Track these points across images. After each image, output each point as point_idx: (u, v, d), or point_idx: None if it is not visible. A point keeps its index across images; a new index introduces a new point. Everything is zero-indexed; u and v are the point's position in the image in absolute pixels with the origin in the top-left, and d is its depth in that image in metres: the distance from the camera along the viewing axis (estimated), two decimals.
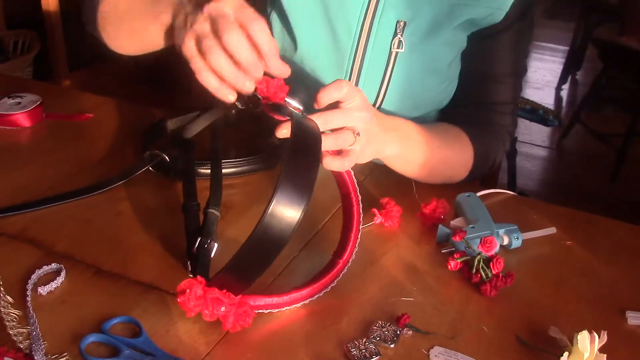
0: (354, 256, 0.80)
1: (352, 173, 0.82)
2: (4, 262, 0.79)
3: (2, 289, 0.74)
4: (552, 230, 0.93)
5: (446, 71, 1.05)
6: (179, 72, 1.05)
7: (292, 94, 0.78)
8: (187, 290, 0.68)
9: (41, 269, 0.77)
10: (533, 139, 3.45)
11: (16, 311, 0.71)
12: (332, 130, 0.81)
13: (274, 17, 1.04)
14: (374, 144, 0.86)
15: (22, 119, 1.14)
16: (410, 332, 0.72)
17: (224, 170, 0.97)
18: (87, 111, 1.21)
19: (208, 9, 0.74)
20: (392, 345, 0.70)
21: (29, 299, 0.73)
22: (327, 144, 0.79)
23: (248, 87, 0.74)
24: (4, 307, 0.71)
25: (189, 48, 0.75)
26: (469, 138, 1.05)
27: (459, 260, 0.82)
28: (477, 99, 1.08)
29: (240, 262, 0.67)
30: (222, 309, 0.68)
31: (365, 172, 1.06)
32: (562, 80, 4.26)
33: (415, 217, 0.94)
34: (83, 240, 0.85)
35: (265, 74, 0.76)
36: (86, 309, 0.73)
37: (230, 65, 0.73)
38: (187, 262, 0.78)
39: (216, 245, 0.79)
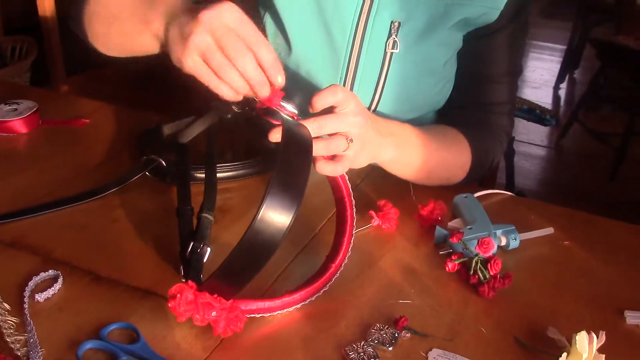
0: (346, 260, 0.80)
1: (347, 177, 0.82)
2: (0, 269, 0.79)
3: None
4: (549, 230, 0.93)
5: (442, 71, 1.05)
6: (175, 77, 1.06)
7: (287, 97, 0.78)
8: (178, 295, 0.68)
9: (38, 276, 0.77)
10: (531, 138, 3.45)
11: (13, 318, 0.71)
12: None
13: (268, 18, 1.04)
14: (369, 148, 0.86)
15: (19, 126, 1.14)
16: (408, 335, 0.72)
17: (220, 174, 0.97)
18: (83, 117, 1.21)
19: (206, 19, 0.73)
20: (390, 348, 0.70)
21: (26, 306, 0.73)
22: (319, 149, 0.80)
23: (264, 94, 0.76)
24: (1, 314, 0.71)
25: (195, 63, 0.75)
26: (467, 139, 1.05)
27: (456, 262, 0.82)
28: (473, 100, 1.08)
29: (231, 267, 0.67)
30: (213, 313, 0.68)
31: (362, 175, 1.06)
32: (559, 79, 4.26)
33: (412, 219, 0.93)
34: (80, 246, 0.85)
35: None
36: (84, 316, 0.73)
37: (243, 81, 0.75)
38: (180, 267, 0.78)
39: (209, 249, 0.79)
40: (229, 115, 1.08)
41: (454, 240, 0.84)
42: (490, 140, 1.09)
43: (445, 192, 0.99)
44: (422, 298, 0.79)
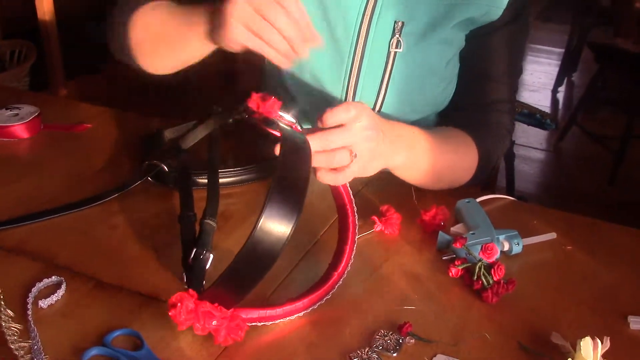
0: (349, 268, 0.80)
1: (348, 185, 0.82)
2: (3, 276, 0.79)
3: (2, 302, 0.74)
4: (552, 235, 0.93)
5: (444, 71, 1.05)
6: (174, 81, 1.06)
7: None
8: (179, 304, 0.68)
9: (41, 282, 0.77)
10: (530, 141, 3.46)
11: (17, 325, 0.71)
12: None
13: None
14: (379, 160, 0.86)
15: (20, 131, 1.14)
16: (412, 341, 0.72)
17: (222, 180, 0.97)
18: (85, 121, 1.21)
19: None
20: (394, 354, 0.70)
21: (29, 312, 0.73)
22: (321, 161, 0.80)
23: (304, 53, 0.82)
24: (4, 321, 0.71)
25: (240, 32, 0.81)
26: (473, 140, 1.04)
27: (460, 267, 0.82)
28: (474, 100, 1.08)
29: (231, 277, 0.68)
30: (214, 322, 0.68)
31: (365, 180, 1.06)
32: (558, 82, 4.26)
33: (415, 224, 0.93)
34: (83, 252, 0.85)
35: (257, 92, 0.77)
36: (87, 322, 0.73)
37: (283, 41, 0.81)
38: (183, 274, 0.78)
39: (212, 256, 0.78)
40: (230, 120, 1.08)
41: (457, 245, 0.84)
42: (493, 140, 1.08)
43: (447, 197, 0.99)
44: (426, 304, 0.79)
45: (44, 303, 0.74)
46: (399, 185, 1.00)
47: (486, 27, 1.02)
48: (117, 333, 0.71)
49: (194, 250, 0.78)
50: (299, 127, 0.78)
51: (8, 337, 0.69)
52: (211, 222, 0.83)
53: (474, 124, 1.07)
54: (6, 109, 1.17)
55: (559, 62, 4.38)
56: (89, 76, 3.37)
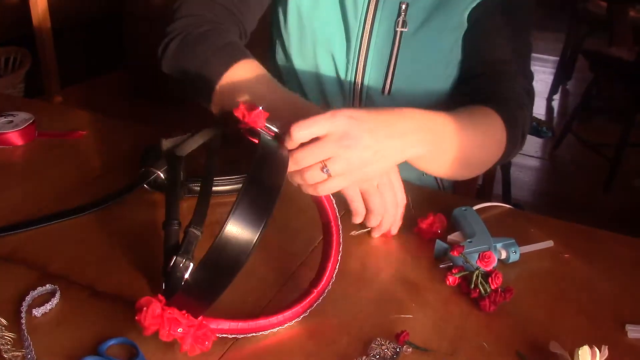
0: (329, 287, 0.79)
1: (334, 202, 0.82)
2: None
3: None
4: (549, 243, 0.92)
5: (449, 54, 1.08)
6: (168, 88, 1.05)
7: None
8: (144, 308, 0.67)
9: (35, 290, 0.76)
10: (526, 149, 3.46)
11: (10, 334, 0.70)
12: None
13: (291, 4, 1.09)
14: (376, 164, 0.81)
15: (15, 138, 1.13)
16: (410, 350, 0.72)
17: (219, 188, 0.97)
18: (80, 129, 1.20)
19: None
20: None
21: (23, 321, 0.72)
22: (297, 180, 0.80)
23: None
24: None
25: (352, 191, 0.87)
26: (494, 110, 0.98)
27: (457, 276, 0.82)
28: (483, 71, 1.06)
29: (196, 283, 0.67)
30: (179, 330, 0.67)
31: None
32: (553, 90, 4.28)
33: (412, 232, 0.93)
34: (78, 260, 0.84)
35: (243, 104, 0.77)
36: (82, 331, 0.72)
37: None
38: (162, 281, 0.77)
39: (192, 264, 0.77)
40: (226, 130, 1.08)
41: (455, 253, 0.84)
42: (514, 106, 1.02)
43: (444, 205, 0.98)
44: (423, 312, 0.78)
45: (37, 312, 0.74)
46: None
47: (487, 5, 1.04)
48: (111, 342, 0.70)
49: (174, 258, 0.77)
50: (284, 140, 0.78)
51: (1, 347, 0.68)
52: (195, 231, 0.80)
53: (488, 96, 1.01)
54: (0, 116, 1.16)
55: (554, 71, 4.40)
56: (83, 83, 3.36)
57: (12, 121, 1.15)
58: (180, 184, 0.96)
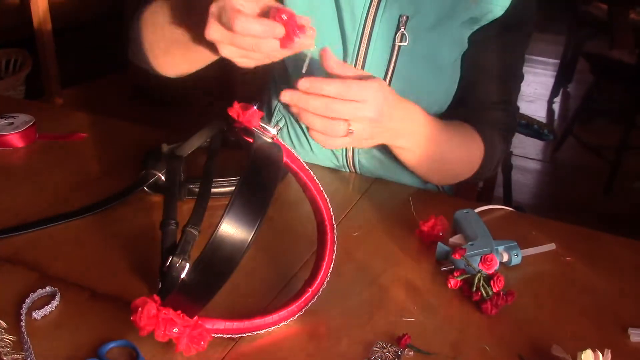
0: (324, 286, 0.79)
1: (328, 201, 0.82)
2: None
3: None
4: (551, 246, 0.92)
5: (449, 70, 1.07)
6: (168, 90, 1.05)
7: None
8: (139, 308, 0.67)
9: (35, 293, 0.76)
10: (526, 152, 3.46)
11: (10, 337, 0.70)
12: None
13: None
14: (376, 139, 0.88)
15: (15, 140, 1.13)
16: (411, 353, 0.71)
17: (218, 190, 0.96)
18: (80, 131, 1.20)
19: (210, 10, 0.78)
20: None
21: (23, 323, 0.72)
22: (317, 124, 0.82)
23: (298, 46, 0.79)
24: None
25: (231, 52, 0.81)
26: (479, 135, 1.06)
27: (459, 278, 0.82)
28: (475, 100, 1.09)
29: (190, 283, 0.67)
30: (175, 330, 0.67)
31: (362, 190, 1.05)
32: (553, 93, 4.28)
33: (414, 235, 0.93)
34: (78, 262, 0.84)
35: (238, 102, 0.76)
36: (82, 334, 0.72)
37: (267, 41, 0.77)
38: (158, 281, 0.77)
39: (188, 265, 0.76)
40: (225, 129, 1.07)
41: (456, 256, 0.83)
42: (497, 138, 1.10)
43: (445, 207, 0.98)
44: (425, 315, 0.78)
45: (37, 314, 0.73)
46: (396, 196, 1.00)
47: (489, 29, 1.03)
48: (111, 345, 0.70)
49: (171, 258, 0.76)
50: (280, 140, 0.78)
51: (1, 349, 0.68)
52: (193, 231, 0.80)
53: (477, 121, 1.08)
54: (1, 117, 1.16)
55: (555, 73, 4.40)
56: (84, 85, 3.36)
57: (12, 123, 1.15)
58: (180, 185, 0.96)
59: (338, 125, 0.82)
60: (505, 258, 0.88)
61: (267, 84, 1.21)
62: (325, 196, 0.81)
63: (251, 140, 0.76)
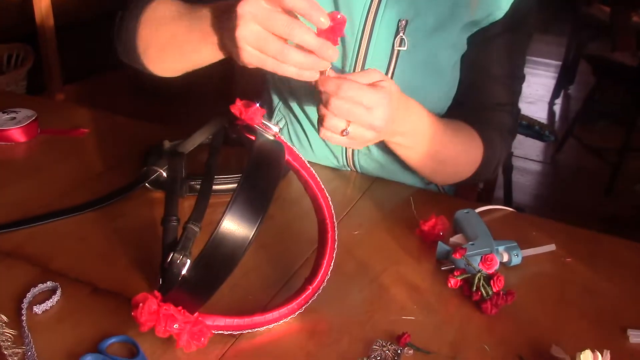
0: (325, 284, 0.79)
1: (329, 199, 0.82)
2: None
3: None
4: (551, 247, 0.92)
5: (448, 73, 1.06)
6: (169, 85, 1.05)
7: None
8: (140, 304, 0.67)
9: (36, 287, 0.76)
10: (527, 153, 3.46)
11: (11, 331, 0.70)
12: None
13: None
14: (373, 140, 0.87)
15: (17, 135, 1.13)
16: (411, 352, 0.72)
17: (220, 187, 0.96)
18: (82, 126, 1.20)
19: (245, 10, 0.74)
20: None
21: (24, 318, 0.72)
22: (320, 112, 0.82)
23: (332, 57, 0.77)
24: None
25: (252, 56, 0.77)
26: (479, 136, 1.05)
27: (459, 278, 0.82)
28: (476, 102, 1.09)
29: (192, 279, 0.67)
30: (175, 326, 0.67)
31: (363, 189, 1.05)
32: (555, 95, 4.28)
33: (414, 234, 0.93)
34: (79, 257, 0.84)
35: (240, 100, 0.77)
36: (82, 328, 0.72)
37: (304, 54, 0.76)
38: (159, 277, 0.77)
39: (189, 261, 0.76)
40: (227, 126, 1.07)
41: (457, 256, 0.84)
42: (499, 140, 1.09)
43: (446, 207, 0.98)
44: (425, 314, 0.78)
45: (38, 309, 0.73)
46: (398, 195, 1.00)
47: (489, 31, 1.03)
48: (112, 340, 0.70)
49: (172, 254, 0.76)
50: (281, 137, 0.78)
51: (2, 343, 0.68)
52: (194, 227, 0.80)
53: (479, 123, 1.07)
54: (3, 112, 1.16)
55: (556, 75, 4.40)
56: (85, 80, 3.36)
57: (14, 118, 1.15)
58: (181, 181, 0.96)
59: (335, 122, 0.81)
60: (506, 258, 0.88)
61: (266, 84, 1.21)
62: (327, 194, 0.81)
63: (253, 138, 0.76)
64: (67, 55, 3.10)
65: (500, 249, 0.88)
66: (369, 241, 0.92)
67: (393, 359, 0.70)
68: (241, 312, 0.73)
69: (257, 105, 0.76)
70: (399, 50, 1.02)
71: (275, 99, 1.18)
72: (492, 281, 0.79)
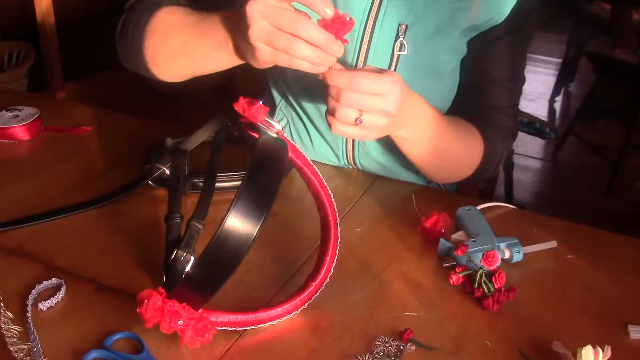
0: (327, 280, 0.79)
1: (332, 196, 0.82)
2: (3, 277, 0.79)
3: (2, 304, 0.73)
4: (552, 243, 0.93)
5: (448, 77, 1.06)
6: (169, 83, 1.05)
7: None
8: (146, 301, 0.67)
9: (41, 284, 0.77)
10: (527, 150, 3.46)
11: (17, 327, 0.71)
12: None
13: None
14: (382, 133, 0.88)
15: (21, 132, 1.14)
16: (413, 347, 0.72)
17: (222, 184, 0.97)
18: (85, 124, 1.20)
19: (254, 9, 0.75)
20: None
21: (29, 314, 0.72)
22: (331, 104, 0.82)
23: (337, 52, 0.78)
24: (4, 323, 0.71)
25: (267, 52, 0.78)
26: (480, 135, 1.06)
27: (461, 275, 0.82)
28: (477, 104, 1.09)
29: (196, 276, 0.67)
30: (180, 322, 0.68)
31: (365, 186, 1.06)
32: (555, 92, 4.28)
33: (416, 231, 0.93)
34: (83, 255, 0.85)
35: (244, 98, 0.77)
36: (87, 325, 0.72)
37: (312, 48, 0.76)
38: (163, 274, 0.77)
39: (192, 258, 0.76)
40: (229, 124, 1.08)
41: (459, 253, 0.84)
42: (499, 140, 1.09)
43: (447, 204, 0.99)
44: (427, 311, 0.79)
45: (43, 305, 0.74)
46: (400, 192, 1.00)
47: (489, 34, 1.03)
48: (117, 336, 0.71)
49: (175, 251, 0.76)
50: (284, 135, 0.78)
51: (7, 339, 0.69)
52: (197, 224, 0.80)
53: (479, 122, 1.07)
54: (6, 110, 1.17)
55: (557, 72, 4.40)
56: (86, 78, 3.36)
57: (18, 116, 1.15)
58: (184, 179, 0.96)
59: (347, 112, 0.82)
60: (507, 255, 0.89)
61: (267, 82, 1.21)
62: (329, 192, 0.82)
63: (256, 136, 0.76)
64: (68, 53, 3.10)
65: (502, 245, 0.88)
66: (371, 238, 0.93)
67: (396, 355, 0.70)
68: (245, 308, 0.74)
69: (261, 103, 0.77)
70: (399, 55, 1.01)
71: (277, 98, 1.18)
72: (493, 278, 0.80)
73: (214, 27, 0.87)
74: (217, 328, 0.71)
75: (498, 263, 0.84)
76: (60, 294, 0.76)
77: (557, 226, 0.99)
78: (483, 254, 0.83)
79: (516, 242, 0.89)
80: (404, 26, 1.00)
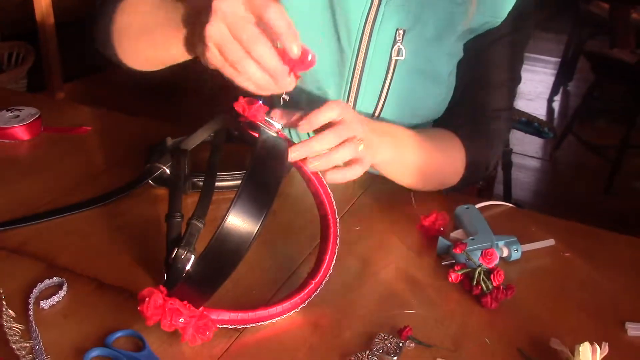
0: (327, 278, 0.80)
1: (331, 194, 0.83)
2: (5, 276, 0.79)
3: (4, 303, 0.74)
4: (550, 242, 0.93)
5: (445, 81, 1.06)
6: (170, 83, 1.05)
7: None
8: (147, 299, 0.68)
9: (43, 283, 0.77)
10: (526, 150, 3.47)
11: (19, 325, 0.71)
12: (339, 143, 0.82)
13: None
14: (369, 150, 0.87)
15: (21, 132, 1.14)
16: (412, 345, 0.73)
17: (222, 184, 0.97)
18: (84, 124, 1.21)
19: (219, 7, 0.71)
20: (395, 358, 0.70)
21: (31, 312, 0.73)
22: (345, 153, 0.82)
23: (286, 86, 0.75)
24: (6, 321, 0.71)
25: (215, 57, 0.74)
26: (462, 144, 1.05)
27: (459, 273, 0.83)
28: (472, 108, 1.09)
29: (197, 274, 0.68)
30: (181, 320, 0.68)
31: (365, 186, 1.06)
32: (554, 91, 4.29)
33: (415, 229, 0.94)
34: (84, 253, 0.85)
35: (244, 96, 0.77)
36: (89, 323, 0.73)
37: (262, 73, 0.73)
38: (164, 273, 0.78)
39: (193, 256, 0.76)
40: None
41: (457, 251, 0.85)
42: (486, 148, 1.09)
43: (446, 202, 0.99)
44: (426, 308, 0.79)
45: (45, 304, 0.75)
46: (398, 191, 1.01)
47: (486, 36, 1.03)
48: (118, 334, 0.71)
49: (176, 249, 0.77)
50: (284, 134, 0.79)
51: (10, 337, 0.69)
52: (197, 223, 0.81)
53: (468, 128, 1.07)
54: (7, 110, 1.17)
55: (555, 72, 4.41)
56: (86, 78, 3.37)
57: (18, 116, 1.16)
58: (185, 178, 0.97)
59: (352, 143, 0.82)
60: (505, 253, 0.89)
61: None
62: (329, 190, 0.82)
63: (256, 135, 0.77)
64: (68, 53, 3.11)
65: (500, 244, 0.89)
66: (370, 236, 0.93)
67: (395, 352, 0.71)
68: (245, 306, 0.74)
69: (260, 102, 0.77)
70: (396, 60, 1.01)
71: (275, 97, 1.18)
72: (492, 276, 0.80)
73: (178, 11, 0.83)
74: (218, 326, 0.72)
75: (496, 261, 0.84)
76: (62, 293, 0.76)
77: (555, 225, 0.99)
78: (481, 252, 0.84)
79: (514, 241, 0.90)
80: (401, 31, 1.00)
